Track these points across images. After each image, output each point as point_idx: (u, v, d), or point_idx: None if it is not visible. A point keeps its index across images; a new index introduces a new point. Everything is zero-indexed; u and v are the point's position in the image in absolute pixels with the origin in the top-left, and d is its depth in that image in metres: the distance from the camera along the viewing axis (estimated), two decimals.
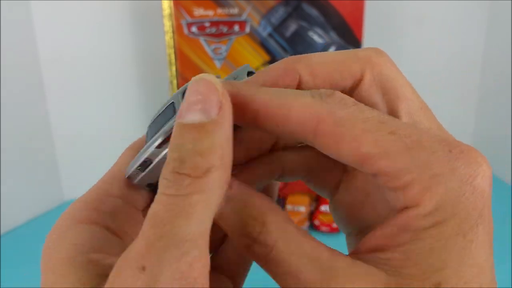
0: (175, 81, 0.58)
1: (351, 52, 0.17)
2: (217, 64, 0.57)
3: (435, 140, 0.15)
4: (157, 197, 0.14)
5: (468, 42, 0.74)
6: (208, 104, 0.14)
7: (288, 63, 0.17)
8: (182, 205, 0.13)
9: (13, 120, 0.60)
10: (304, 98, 0.15)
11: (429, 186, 0.14)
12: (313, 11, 0.56)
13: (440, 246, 0.14)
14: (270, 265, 0.15)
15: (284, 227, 0.15)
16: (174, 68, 0.58)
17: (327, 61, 0.17)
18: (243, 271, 0.19)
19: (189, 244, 0.13)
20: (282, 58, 0.17)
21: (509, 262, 0.48)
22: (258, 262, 0.15)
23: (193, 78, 0.15)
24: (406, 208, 0.14)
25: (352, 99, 0.15)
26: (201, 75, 0.15)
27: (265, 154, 0.19)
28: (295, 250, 0.14)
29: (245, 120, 0.15)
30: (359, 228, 0.19)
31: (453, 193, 0.14)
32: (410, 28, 0.72)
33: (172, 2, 0.54)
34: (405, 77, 0.18)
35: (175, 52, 0.57)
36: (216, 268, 0.18)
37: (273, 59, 0.57)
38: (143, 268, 0.12)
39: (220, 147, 0.14)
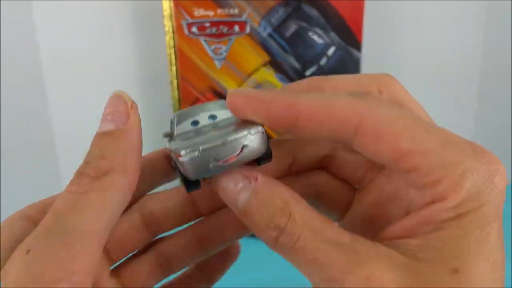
0: (175, 81, 0.59)
1: (369, 74, 0.19)
2: (217, 64, 0.57)
3: (462, 140, 0.16)
4: (61, 193, 0.15)
5: (468, 42, 0.74)
6: (116, 115, 0.16)
7: (313, 80, 0.18)
8: (79, 201, 0.14)
9: (14, 119, 0.60)
10: (344, 97, 0.15)
11: (458, 181, 0.14)
12: (313, 12, 0.57)
13: (460, 235, 0.14)
14: (296, 255, 0.15)
15: (308, 215, 0.15)
16: (174, 68, 0.58)
17: (349, 79, 0.18)
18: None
19: (74, 237, 0.14)
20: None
21: (509, 262, 0.48)
22: (283, 253, 0.15)
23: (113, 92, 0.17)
24: (432, 202, 0.15)
25: (387, 98, 0.16)
26: (116, 91, 0.17)
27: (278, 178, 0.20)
28: (319, 237, 0.15)
29: (286, 124, 0.16)
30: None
31: (477, 189, 0.14)
32: (409, 29, 0.72)
33: (172, 2, 0.54)
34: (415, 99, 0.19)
35: (175, 52, 0.57)
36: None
37: (273, 59, 0.57)
38: (28, 252, 0.13)
39: (124, 153, 0.16)
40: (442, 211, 0.14)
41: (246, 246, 0.23)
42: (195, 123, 0.19)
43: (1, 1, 0.57)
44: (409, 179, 0.15)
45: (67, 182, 0.16)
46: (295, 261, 0.15)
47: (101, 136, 0.16)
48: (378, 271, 0.14)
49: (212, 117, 0.19)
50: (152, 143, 0.76)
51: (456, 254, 0.14)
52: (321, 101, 0.15)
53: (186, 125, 0.19)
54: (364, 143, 0.15)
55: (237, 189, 0.16)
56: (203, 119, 0.19)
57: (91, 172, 0.15)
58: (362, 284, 0.14)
